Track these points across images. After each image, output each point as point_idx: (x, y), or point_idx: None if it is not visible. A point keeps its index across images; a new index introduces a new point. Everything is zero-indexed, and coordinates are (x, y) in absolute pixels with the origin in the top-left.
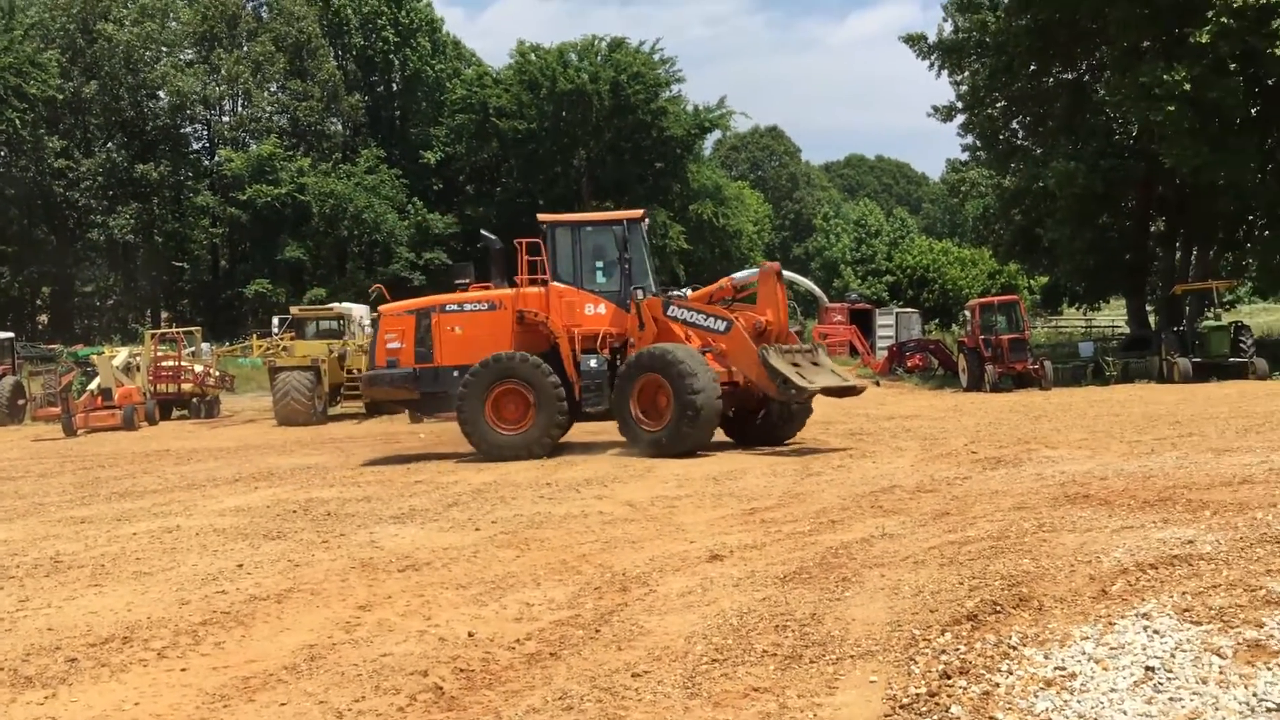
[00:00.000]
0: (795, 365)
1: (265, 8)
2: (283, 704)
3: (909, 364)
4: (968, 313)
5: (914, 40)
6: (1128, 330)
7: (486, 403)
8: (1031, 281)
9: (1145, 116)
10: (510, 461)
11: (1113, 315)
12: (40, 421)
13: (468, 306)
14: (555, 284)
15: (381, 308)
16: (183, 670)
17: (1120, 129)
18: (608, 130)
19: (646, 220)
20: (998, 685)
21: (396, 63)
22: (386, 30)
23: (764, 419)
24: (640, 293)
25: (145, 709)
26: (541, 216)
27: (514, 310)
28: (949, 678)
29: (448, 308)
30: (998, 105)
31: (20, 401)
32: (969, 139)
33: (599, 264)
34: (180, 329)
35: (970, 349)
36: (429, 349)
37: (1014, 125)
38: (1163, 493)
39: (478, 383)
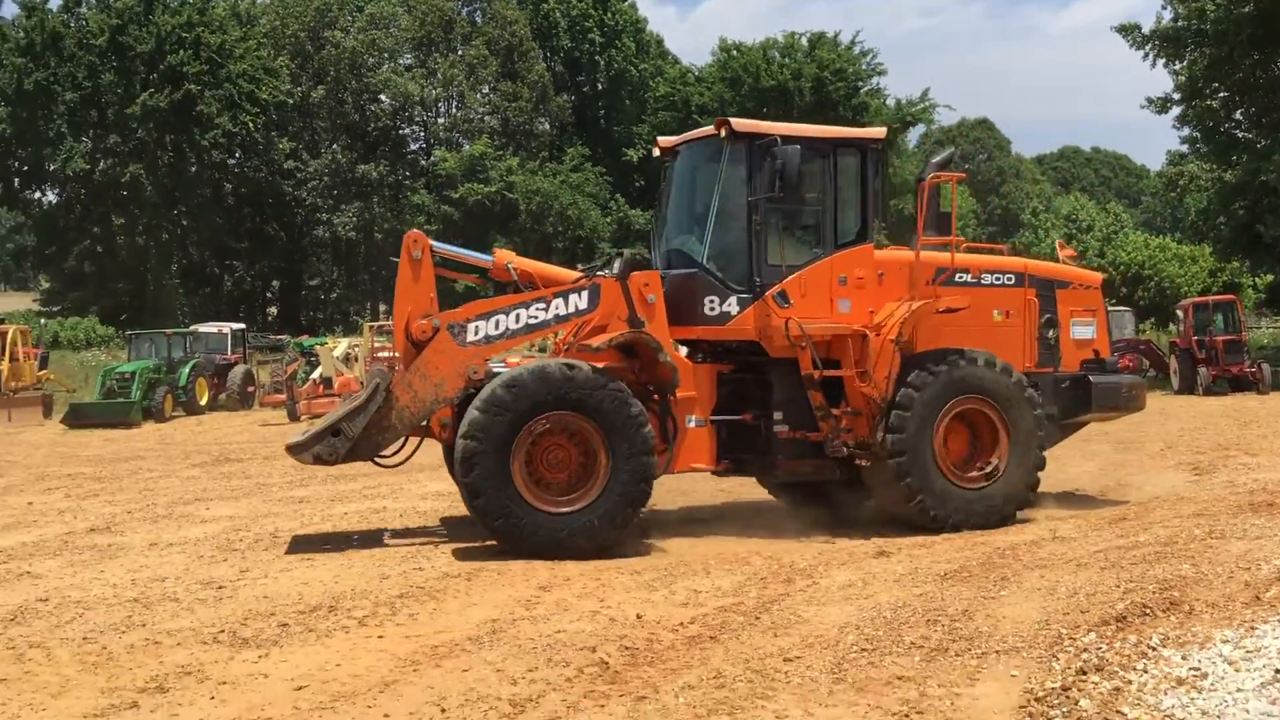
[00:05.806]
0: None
1: (479, 12)
2: (465, 670)
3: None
4: (1180, 312)
5: (1127, 30)
6: None
7: None
8: (1256, 280)
9: None
10: None
11: None
12: (268, 408)
13: None
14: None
15: None
16: (380, 637)
17: None
18: None
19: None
20: (1130, 682)
21: (602, 63)
22: (593, 32)
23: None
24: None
25: (345, 670)
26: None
27: None
28: (1085, 674)
29: None
30: (1218, 96)
31: (250, 389)
32: (1186, 131)
33: None
34: None
35: (1183, 350)
36: None
37: (1236, 116)
38: None
39: None
